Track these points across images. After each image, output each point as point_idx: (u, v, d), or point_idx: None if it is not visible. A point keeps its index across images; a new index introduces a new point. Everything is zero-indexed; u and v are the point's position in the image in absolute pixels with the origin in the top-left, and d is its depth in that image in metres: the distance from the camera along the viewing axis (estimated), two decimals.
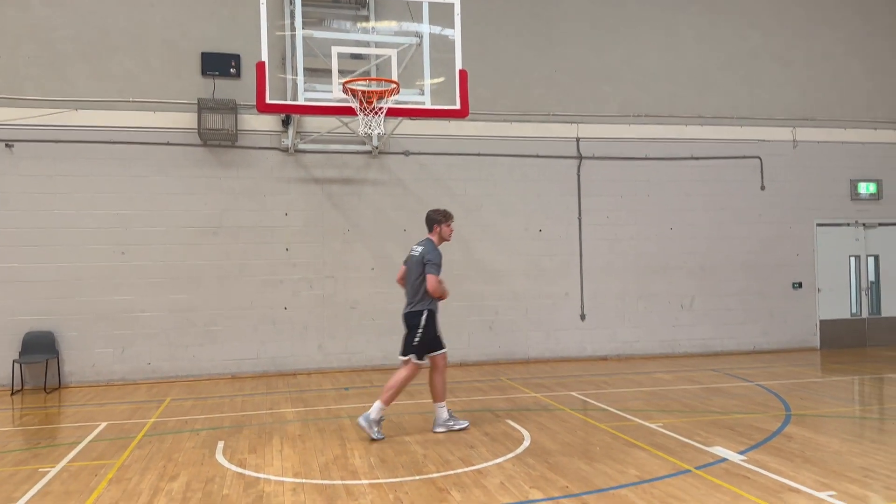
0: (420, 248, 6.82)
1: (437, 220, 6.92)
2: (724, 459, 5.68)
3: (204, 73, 10.86)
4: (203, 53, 10.86)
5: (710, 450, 5.97)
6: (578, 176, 12.11)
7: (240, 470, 5.72)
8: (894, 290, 13.21)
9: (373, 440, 6.51)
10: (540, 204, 11.95)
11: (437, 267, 6.69)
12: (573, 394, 8.81)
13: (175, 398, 9.10)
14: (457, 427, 6.85)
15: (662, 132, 12.39)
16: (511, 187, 11.86)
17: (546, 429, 6.90)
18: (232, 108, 10.68)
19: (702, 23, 12.70)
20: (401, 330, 11.22)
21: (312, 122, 11.10)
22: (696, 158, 12.48)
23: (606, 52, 12.31)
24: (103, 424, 7.56)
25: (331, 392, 9.32)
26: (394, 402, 7.62)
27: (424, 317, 6.69)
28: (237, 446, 6.48)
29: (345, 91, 7.38)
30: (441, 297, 6.75)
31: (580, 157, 12.12)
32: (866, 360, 11.48)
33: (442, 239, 6.96)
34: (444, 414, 6.88)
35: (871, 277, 13.22)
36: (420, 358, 6.71)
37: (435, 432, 6.80)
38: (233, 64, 10.92)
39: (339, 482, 5.33)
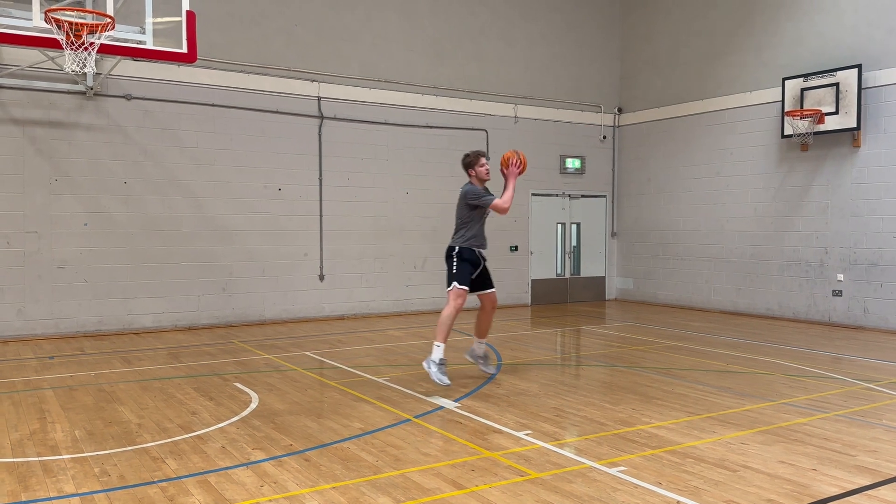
0: (461, 190, 7.07)
1: (468, 163, 7.12)
2: (441, 407, 6.12)
3: None
4: None
5: (430, 399, 6.39)
6: (320, 136, 12.02)
7: None
8: (591, 254, 15.20)
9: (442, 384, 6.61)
10: (280, 162, 11.67)
11: (485, 197, 6.94)
12: (308, 353, 8.84)
13: None
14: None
15: (401, 99, 12.75)
16: (249, 143, 11.41)
17: (276, 389, 6.85)
18: None
19: None
20: (120, 292, 10.39)
21: (11, 54, 9.58)
22: (431, 127, 13.07)
23: (345, 10, 12.27)
24: None
25: (31, 362, 8.28)
26: (109, 371, 7.03)
27: (454, 252, 6.94)
28: None
29: (48, 21, 6.46)
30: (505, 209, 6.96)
31: (322, 118, 12.03)
32: (567, 314, 13.10)
33: (480, 180, 7.13)
34: (437, 354, 6.74)
35: (574, 242, 15.05)
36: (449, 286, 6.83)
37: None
38: None
39: (36, 459, 4.77)
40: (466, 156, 7.24)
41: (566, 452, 4.95)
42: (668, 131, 14.30)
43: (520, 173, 7.22)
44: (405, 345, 9.53)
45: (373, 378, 7.33)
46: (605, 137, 15.15)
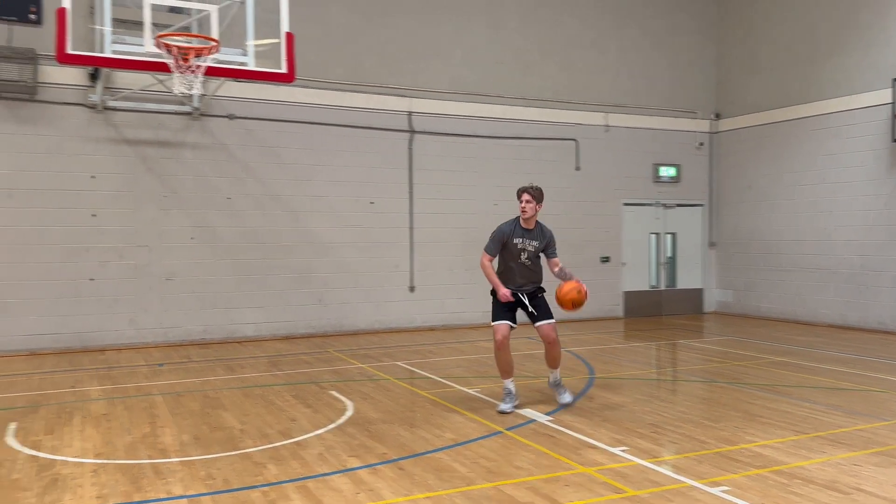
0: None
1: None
2: (532, 420, 6.06)
3: None
4: None
5: (521, 412, 6.34)
6: (410, 150, 12.23)
7: (33, 452, 5.24)
8: (687, 265, 14.71)
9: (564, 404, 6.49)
10: (372, 176, 11.94)
11: (488, 243, 6.91)
12: (400, 363, 8.97)
13: None
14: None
15: (489, 111, 12.80)
16: (343, 158, 11.73)
17: (370, 398, 6.98)
18: (31, 57, 9.60)
19: (525, 7, 13.19)
20: (223, 302, 10.87)
21: (125, 78, 10.25)
22: (519, 138, 13.05)
23: (436, 27, 12.45)
24: None
25: (143, 369, 8.78)
26: (214, 378, 7.35)
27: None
28: (32, 428, 5.93)
29: (158, 46, 6.88)
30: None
31: (412, 132, 12.23)
32: (662, 327, 12.72)
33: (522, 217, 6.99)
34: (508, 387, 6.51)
35: (669, 253, 14.62)
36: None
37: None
38: (33, 9, 9.81)
39: (147, 461, 5.05)
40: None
41: (664, 470, 4.80)
42: (768, 137, 13.70)
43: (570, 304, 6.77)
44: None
45: (463, 389, 7.35)
46: (701, 144, 14.68)
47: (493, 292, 6.72)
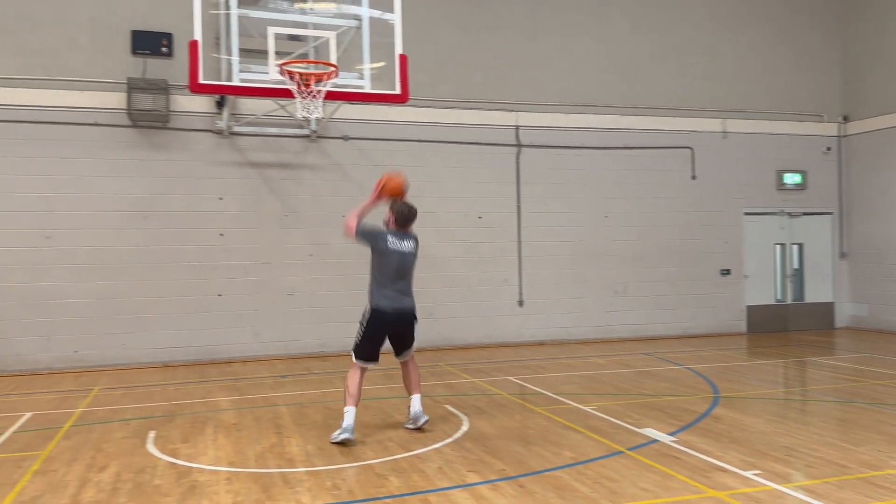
0: (412, 243, 6.60)
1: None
2: (655, 441, 5.86)
3: (134, 51, 10.46)
4: (133, 31, 10.46)
5: (642, 431, 6.14)
6: (517, 164, 12.21)
7: (172, 460, 5.58)
8: (816, 277, 13.83)
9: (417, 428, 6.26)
10: (479, 191, 12.01)
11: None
12: (511, 378, 8.92)
13: (104, 387, 8.80)
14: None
15: (597, 122, 12.59)
16: (451, 174, 11.87)
17: (484, 413, 6.97)
18: (163, 88, 10.33)
19: (634, 14, 12.92)
20: (339, 317, 11.21)
21: (248, 105, 10.84)
22: (630, 148, 12.74)
23: (542, 40, 12.41)
24: (28, 415, 7.26)
25: (267, 380, 9.17)
26: (333, 390, 7.56)
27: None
28: (169, 436, 6.32)
29: (281, 73, 7.24)
30: None
31: (519, 146, 12.22)
32: (790, 344, 12.01)
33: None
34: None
35: (795, 265, 13.80)
36: None
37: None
38: (164, 43, 10.55)
39: (276, 470, 5.26)
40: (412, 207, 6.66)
41: (803, 496, 4.50)
42: None
43: (382, 197, 6.55)
44: (609, 373, 9.28)
45: (579, 406, 7.21)
46: (829, 149, 13.82)
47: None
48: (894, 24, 12.92)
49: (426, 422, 6.30)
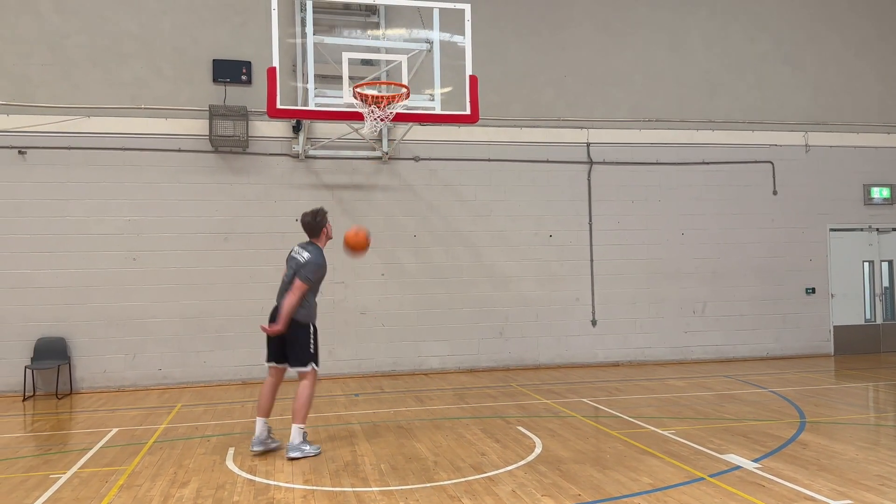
0: (304, 254, 6.47)
1: (320, 222, 6.57)
2: (738, 467, 5.62)
3: (215, 79, 10.90)
4: (214, 60, 10.91)
5: (724, 457, 5.90)
6: (589, 181, 12.07)
7: (250, 476, 5.70)
8: None
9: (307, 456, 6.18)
10: (550, 209, 11.91)
11: (317, 278, 6.51)
12: (585, 400, 8.75)
13: (186, 404, 9.11)
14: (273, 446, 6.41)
15: (672, 137, 12.33)
16: (521, 192, 11.83)
17: (558, 436, 6.85)
18: (243, 114, 10.71)
19: (710, 26, 12.64)
20: (411, 336, 11.29)
21: (323, 129, 11.12)
22: (707, 163, 12.41)
23: (615, 55, 12.28)
24: (114, 430, 7.57)
25: (341, 398, 9.30)
26: (405, 409, 7.63)
27: (312, 330, 6.46)
28: (248, 453, 6.47)
29: (355, 96, 7.39)
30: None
31: (591, 163, 12.08)
32: (881, 366, 11.36)
33: (329, 238, 6.73)
34: (300, 436, 6.26)
35: (885, 283, 13.09)
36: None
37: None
38: (244, 71, 10.97)
39: (350, 489, 5.30)
40: (316, 213, 6.48)
41: None
42: None
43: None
44: (689, 395, 8.99)
45: (656, 430, 7.00)
46: None
47: (315, 332, 6.42)
48: None
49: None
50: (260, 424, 6.38)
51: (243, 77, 10.97)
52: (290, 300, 6.26)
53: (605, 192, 12.09)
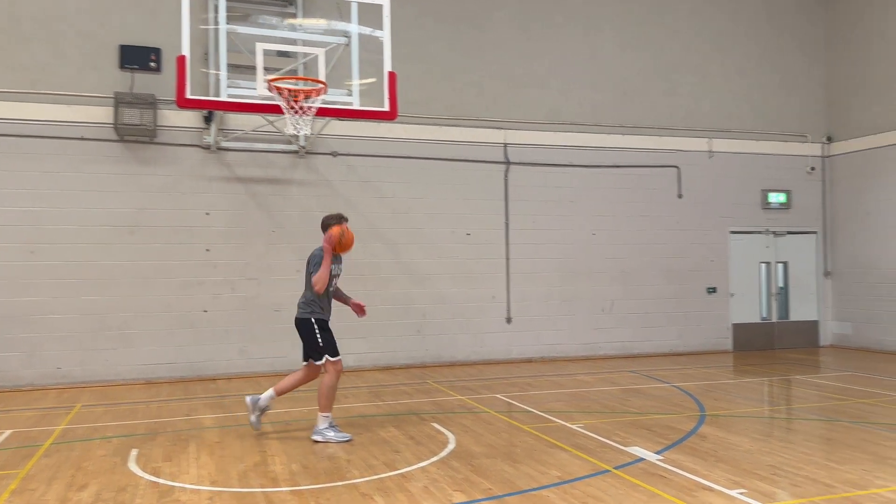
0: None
1: (328, 225, 6.87)
2: (641, 459, 5.84)
3: (122, 66, 10.45)
4: (122, 46, 10.45)
5: (629, 450, 6.12)
6: (506, 181, 12.25)
7: (154, 479, 5.50)
8: (801, 296, 13.93)
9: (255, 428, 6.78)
10: (468, 208, 12.03)
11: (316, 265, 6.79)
12: (498, 396, 8.89)
13: (86, 404, 8.69)
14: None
15: (586, 140, 12.67)
16: (440, 191, 11.89)
17: (471, 431, 6.93)
18: (151, 102, 10.31)
19: (624, 35, 13.06)
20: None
21: (236, 120, 10.82)
22: (619, 167, 12.83)
23: (533, 59, 12.51)
24: (7, 432, 7.14)
25: None
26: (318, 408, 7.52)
27: (314, 324, 6.82)
28: (151, 454, 6.24)
29: (270, 89, 7.24)
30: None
31: (508, 163, 12.27)
32: (775, 362, 12.05)
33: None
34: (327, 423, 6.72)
35: (780, 283, 13.89)
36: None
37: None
38: (153, 58, 10.55)
39: (259, 490, 5.19)
40: (330, 217, 6.90)
41: None
42: (887, 160, 12.88)
43: (337, 250, 6.75)
44: (596, 390, 9.27)
45: (566, 424, 7.18)
46: (813, 169, 13.96)
47: (326, 325, 6.75)
48: (877, 48, 13.14)
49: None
50: (267, 395, 6.81)
51: (152, 64, 10.56)
52: (313, 282, 6.73)
53: (521, 192, 12.30)
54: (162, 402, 8.84)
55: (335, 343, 6.78)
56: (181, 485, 5.33)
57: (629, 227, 12.82)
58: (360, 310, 7.12)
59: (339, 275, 6.95)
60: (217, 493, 5.12)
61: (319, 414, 6.66)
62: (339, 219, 6.86)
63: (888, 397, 8.50)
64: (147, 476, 5.56)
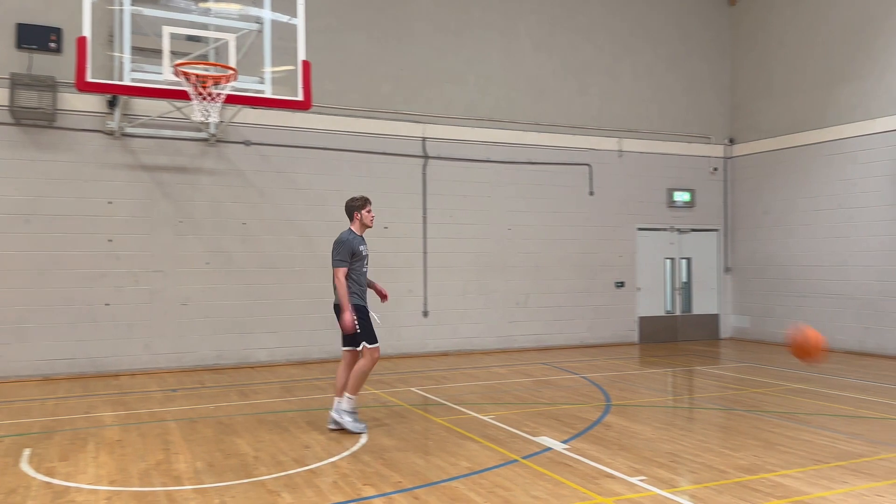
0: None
1: (355, 206, 6.78)
2: (548, 448, 5.99)
3: (19, 45, 9.84)
4: (19, 24, 9.84)
5: (537, 440, 6.27)
6: (424, 175, 12.27)
7: (48, 479, 5.23)
8: (703, 290, 14.60)
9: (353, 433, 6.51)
10: (386, 201, 11.94)
11: (341, 257, 6.63)
12: (413, 389, 8.91)
13: None
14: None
15: (503, 136, 12.85)
16: (357, 183, 11.76)
17: (384, 425, 6.92)
18: (50, 85, 9.76)
19: (538, 33, 13.29)
20: (237, 328, 10.89)
21: (142, 106, 10.38)
22: (533, 163, 13.07)
23: (450, 54, 12.57)
24: None
25: (156, 394, 8.77)
26: (227, 404, 7.35)
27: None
28: (46, 454, 5.92)
29: (177, 74, 6.99)
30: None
31: (426, 157, 12.29)
32: (678, 353, 12.59)
33: (364, 226, 6.86)
34: (350, 405, 6.67)
35: (684, 278, 14.52)
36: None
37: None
38: (53, 38, 9.99)
39: (161, 489, 5.02)
40: (354, 199, 6.84)
41: (684, 500, 4.71)
42: (784, 162, 13.65)
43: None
44: (509, 382, 9.44)
45: (477, 416, 7.28)
46: (715, 169, 14.64)
47: (365, 312, 6.65)
48: (779, 54, 13.89)
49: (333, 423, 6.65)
50: (339, 404, 6.60)
51: (52, 45, 9.99)
52: (336, 286, 6.55)
53: (439, 186, 12.35)
54: (59, 399, 8.41)
55: (373, 330, 6.64)
56: (77, 485, 5.09)
57: (543, 223, 13.08)
58: (382, 297, 7.08)
59: (367, 255, 6.80)
60: (116, 493, 4.92)
61: (345, 394, 6.56)
62: (365, 201, 6.80)
63: (780, 387, 9.03)
64: (40, 476, 5.29)
